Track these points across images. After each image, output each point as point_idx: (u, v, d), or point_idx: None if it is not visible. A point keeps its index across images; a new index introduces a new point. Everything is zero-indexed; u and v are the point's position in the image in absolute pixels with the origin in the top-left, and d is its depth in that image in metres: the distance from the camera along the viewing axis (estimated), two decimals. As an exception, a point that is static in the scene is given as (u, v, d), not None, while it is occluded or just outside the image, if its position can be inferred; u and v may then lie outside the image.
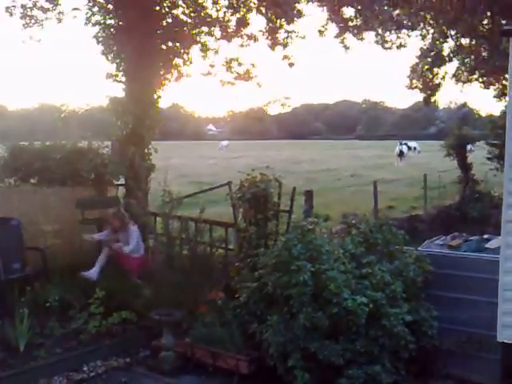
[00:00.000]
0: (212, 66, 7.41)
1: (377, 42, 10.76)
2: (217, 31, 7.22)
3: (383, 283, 4.51)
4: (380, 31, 10.39)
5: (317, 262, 4.37)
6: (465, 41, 13.45)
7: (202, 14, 7.13)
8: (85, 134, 7.73)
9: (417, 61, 14.56)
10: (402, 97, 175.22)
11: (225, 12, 7.27)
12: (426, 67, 14.25)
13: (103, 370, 4.89)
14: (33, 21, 7.24)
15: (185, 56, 7.06)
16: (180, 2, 7.21)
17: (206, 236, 6.40)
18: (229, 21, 7.27)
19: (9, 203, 6.14)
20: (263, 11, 7.37)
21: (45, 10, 7.19)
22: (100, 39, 6.91)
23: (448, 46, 14.00)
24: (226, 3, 7.31)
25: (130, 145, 6.67)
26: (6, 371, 4.50)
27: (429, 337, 4.61)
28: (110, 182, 7.04)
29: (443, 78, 14.62)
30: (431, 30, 13.33)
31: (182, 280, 5.76)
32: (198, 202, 7.74)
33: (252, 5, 7.37)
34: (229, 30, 7.27)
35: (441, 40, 13.64)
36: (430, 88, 14.55)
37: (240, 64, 7.42)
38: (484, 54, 13.36)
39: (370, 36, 10.31)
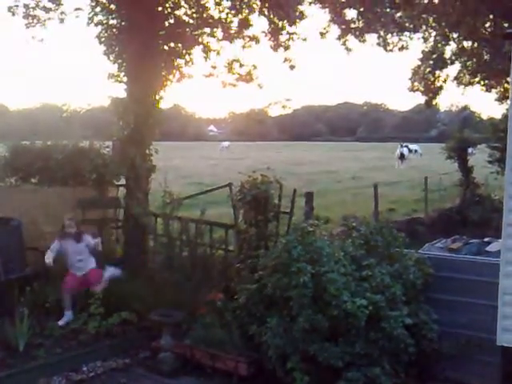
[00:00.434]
0: (214, 67, 7.41)
1: (379, 44, 10.76)
2: (219, 32, 7.22)
3: (383, 286, 4.51)
4: (382, 33, 10.38)
5: (317, 264, 4.37)
6: (467, 43, 13.45)
7: (205, 15, 7.12)
8: (86, 134, 7.74)
9: (419, 63, 14.57)
10: (404, 99, 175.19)
11: (227, 13, 7.27)
12: (428, 70, 14.25)
13: (102, 371, 4.90)
14: (35, 20, 7.24)
15: (187, 57, 7.05)
16: (182, 3, 7.22)
17: (206, 237, 6.40)
18: (231, 22, 7.27)
19: (9, 203, 6.14)
20: (265, 12, 7.36)
21: (47, 10, 7.19)
22: (102, 39, 6.91)
23: (450, 49, 14.02)
24: (229, 4, 7.31)
25: (131, 145, 6.66)
26: (5, 371, 4.51)
27: (428, 340, 4.60)
28: (111, 183, 7.04)
29: (445, 80, 14.62)
30: (433, 33, 13.34)
31: (181, 281, 5.76)
32: (199, 203, 7.74)
33: (255, 6, 7.36)
34: (231, 31, 7.27)
35: (443, 43, 13.64)
36: (432, 90, 14.55)
37: (241, 65, 7.42)
38: (486, 57, 13.35)
39: (371, 38, 10.32)
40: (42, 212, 6.06)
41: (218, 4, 7.35)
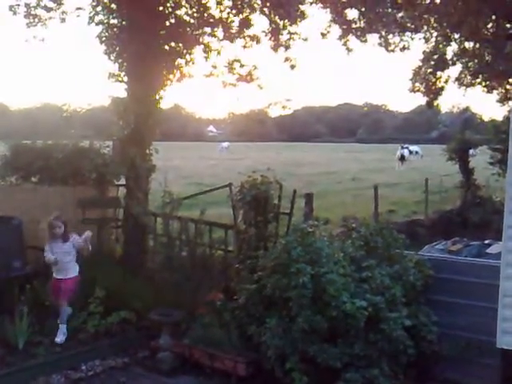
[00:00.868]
0: (214, 66, 7.40)
1: (380, 45, 10.73)
2: (219, 32, 7.22)
3: (383, 287, 4.50)
4: (383, 33, 10.36)
5: (316, 264, 4.36)
6: (468, 44, 13.43)
7: (205, 14, 7.12)
8: (86, 134, 7.74)
9: (420, 64, 14.55)
10: (404, 100, 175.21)
11: (228, 13, 7.27)
12: (429, 70, 14.23)
13: (101, 370, 4.90)
14: (36, 20, 7.24)
15: (187, 56, 7.05)
16: (183, 3, 7.21)
17: (206, 237, 6.40)
18: (232, 21, 7.27)
19: (10, 202, 6.14)
20: (266, 12, 7.36)
21: (48, 9, 7.19)
22: (103, 39, 6.90)
23: (451, 50, 14.00)
24: (230, 4, 7.30)
25: (132, 145, 6.66)
26: (4, 369, 4.51)
27: (428, 342, 4.60)
28: (111, 182, 7.05)
29: (446, 81, 14.61)
30: (435, 33, 13.31)
31: (181, 281, 5.76)
32: (198, 203, 7.74)
33: (255, 5, 7.36)
34: (231, 31, 7.26)
35: (444, 43, 13.62)
36: (433, 91, 14.54)
37: (242, 65, 7.41)
38: (487, 58, 13.34)
39: (373, 38, 10.30)
40: (42, 211, 6.05)
41: (218, 3, 7.34)
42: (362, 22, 9.53)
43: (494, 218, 9.68)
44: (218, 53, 7.38)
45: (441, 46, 13.83)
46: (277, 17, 7.43)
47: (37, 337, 4.98)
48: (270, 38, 7.69)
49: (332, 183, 19.86)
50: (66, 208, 6.19)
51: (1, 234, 5.58)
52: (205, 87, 7.93)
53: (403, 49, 11.59)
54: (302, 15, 7.52)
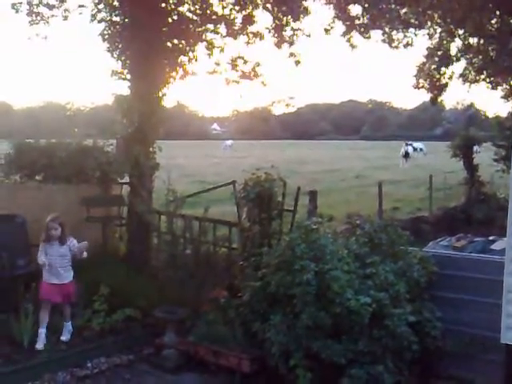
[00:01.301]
0: (217, 64, 7.40)
1: (384, 41, 10.70)
2: (222, 29, 7.21)
3: (387, 283, 4.50)
4: (387, 30, 10.33)
5: (320, 261, 4.36)
6: (473, 40, 13.37)
7: (208, 11, 7.11)
8: (90, 133, 7.75)
9: (424, 60, 14.49)
10: (409, 97, 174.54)
11: (231, 9, 7.26)
12: (433, 67, 14.17)
13: (107, 367, 4.91)
14: (39, 18, 7.26)
15: (190, 54, 7.05)
16: (186, -1, 7.22)
17: (210, 235, 6.40)
18: (235, 18, 7.26)
19: (14, 200, 6.16)
20: (269, 8, 7.35)
21: (51, 7, 7.20)
22: (105, 36, 6.92)
23: (456, 46, 13.93)
24: (233, 0, 7.29)
25: (135, 143, 6.67)
26: (10, 366, 4.53)
27: (432, 338, 4.59)
28: (115, 180, 7.06)
29: (450, 77, 14.54)
30: (439, 29, 13.25)
31: (185, 278, 5.77)
32: (202, 201, 7.74)
33: (258, 1, 7.34)
34: (234, 28, 7.26)
35: (448, 39, 13.56)
36: (437, 88, 14.48)
37: (245, 62, 7.41)
38: (492, 54, 13.26)
39: (376, 35, 10.27)
40: (46, 209, 6.07)
41: (221, 0, 7.34)
42: (365, 18, 9.50)
43: (499, 214, 9.65)
44: (221, 50, 7.37)
45: (445, 41, 13.77)
46: (280, 13, 7.41)
47: (42, 334, 5.00)
48: (274, 35, 7.69)
49: (336, 181, 19.83)
50: (69, 206, 6.21)
51: (5, 232, 5.59)
52: (208, 85, 7.92)
53: (407, 45, 11.54)
54: (306, 11, 7.51)
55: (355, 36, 9.83)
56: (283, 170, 6.08)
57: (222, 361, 4.77)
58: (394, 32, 11.02)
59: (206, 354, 4.89)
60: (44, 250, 4.98)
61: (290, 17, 7.45)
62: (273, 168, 5.85)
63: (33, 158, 6.65)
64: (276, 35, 7.65)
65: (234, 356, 4.69)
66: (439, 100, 15.42)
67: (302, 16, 7.47)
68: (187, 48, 7.03)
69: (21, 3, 7.15)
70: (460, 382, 4.61)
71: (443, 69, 14.22)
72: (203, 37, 7.20)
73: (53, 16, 7.31)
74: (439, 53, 14.01)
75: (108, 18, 6.98)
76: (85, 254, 5.09)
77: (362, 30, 9.65)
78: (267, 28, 7.64)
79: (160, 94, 6.88)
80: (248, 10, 7.37)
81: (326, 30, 9.54)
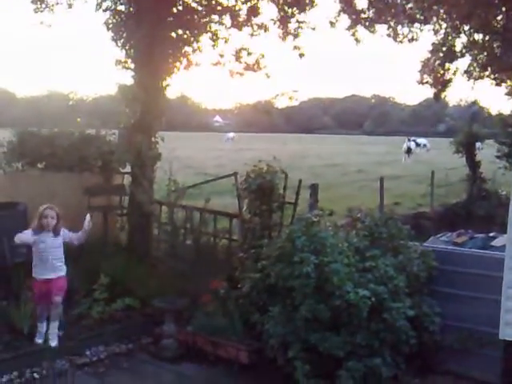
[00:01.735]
0: (221, 55, 7.37)
1: (388, 35, 10.65)
2: (227, 20, 7.17)
3: (386, 277, 4.50)
4: (392, 24, 10.28)
5: (320, 254, 4.36)
6: (478, 36, 13.28)
7: (213, 2, 7.07)
8: (92, 122, 7.75)
9: (428, 56, 14.40)
10: (412, 93, 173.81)
11: (236, 0, 7.21)
12: (438, 62, 14.09)
13: (105, 356, 4.95)
14: (43, 5, 7.23)
15: (194, 44, 7.02)
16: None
17: (211, 226, 6.41)
18: (240, 9, 7.21)
19: (16, 188, 6.18)
20: (275, 0, 7.30)
21: (56, -5, 7.18)
22: (110, 25, 6.89)
23: (461, 42, 13.83)
24: (238, -9, 7.24)
25: (138, 132, 6.66)
26: (10, 353, 4.56)
27: (430, 332, 4.60)
28: (117, 170, 7.06)
29: (454, 73, 14.46)
30: (444, 25, 13.16)
31: (185, 269, 5.78)
32: (202, 192, 7.74)
33: (264, -8, 7.30)
34: (239, 19, 7.21)
35: (453, 35, 13.47)
36: (441, 83, 14.40)
37: (250, 53, 7.37)
38: (497, 50, 13.18)
39: (381, 29, 10.22)
40: (48, 197, 6.09)
41: (227, -10, 7.28)
42: (371, 12, 9.45)
43: (499, 211, 9.64)
44: (226, 41, 7.33)
45: (450, 37, 13.67)
46: (285, 5, 7.37)
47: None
48: (279, 27, 7.64)
49: (337, 175, 19.81)
50: (71, 195, 6.23)
51: (6, 220, 5.60)
52: (212, 77, 7.89)
53: (412, 40, 11.48)
54: (311, 3, 7.46)
55: (360, 30, 9.79)
56: (285, 163, 6.06)
57: (221, 352, 4.80)
58: (400, 27, 10.97)
59: (204, 344, 4.92)
60: (33, 234, 4.59)
61: (295, 8, 7.40)
62: (275, 160, 5.84)
63: (35, 146, 6.65)
64: (281, 27, 7.61)
65: (233, 347, 4.72)
66: (443, 96, 15.33)
67: (307, 8, 7.42)
68: (192, 38, 6.99)
69: (26, -10, 7.12)
70: (457, 376, 4.63)
71: (448, 64, 14.14)
72: (208, 27, 7.16)
73: (57, 4, 7.28)
74: (444, 48, 13.92)
75: (113, 7, 6.94)
76: (90, 225, 4.76)
77: (368, 24, 9.60)
78: (272, 20, 7.59)
79: (164, 84, 6.86)
80: (253, 2, 7.32)
81: (332, 23, 9.49)
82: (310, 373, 4.12)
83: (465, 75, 14.36)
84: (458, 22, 12.53)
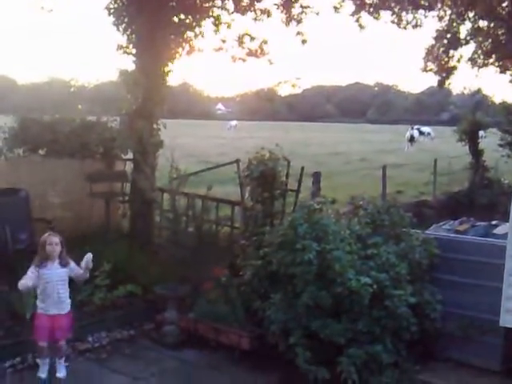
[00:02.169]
0: (224, 41, 7.30)
1: (393, 22, 10.54)
2: (230, 4, 7.09)
3: (388, 265, 4.49)
4: (396, 10, 10.16)
5: (322, 241, 4.35)
6: (483, 23, 13.12)
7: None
8: (94, 109, 7.72)
9: (433, 43, 14.25)
10: (415, 81, 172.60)
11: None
12: (442, 49, 13.94)
13: (108, 342, 4.98)
14: (45, -11, 7.16)
15: (197, 29, 6.95)
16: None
17: (213, 213, 6.40)
18: (243, -7, 7.13)
19: (17, 174, 6.17)
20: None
21: (57, -20, 7.10)
22: (111, 10, 6.81)
23: (465, 29, 13.68)
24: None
25: (139, 119, 6.62)
26: (12, 338, 4.59)
27: (431, 319, 4.60)
28: (118, 156, 7.05)
29: (459, 60, 14.32)
30: (448, 11, 13.00)
31: (187, 256, 5.79)
32: (204, 180, 7.70)
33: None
34: (242, 4, 7.13)
35: (458, 21, 13.31)
36: (445, 70, 14.27)
37: (252, 39, 7.29)
38: (502, 37, 13.04)
39: (385, 15, 10.10)
40: (49, 183, 6.09)
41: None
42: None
43: (502, 199, 9.62)
44: (228, 26, 7.25)
45: (454, 24, 13.51)
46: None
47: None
48: (282, 11, 7.55)
49: (340, 164, 19.75)
50: (73, 181, 6.23)
51: (8, 206, 5.61)
52: (214, 64, 7.83)
53: (416, 26, 11.35)
54: (315, -13, 7.36)
55: (364, 16, 9.68)
56: (287, 151, 6.02)
57: (222, 338, 4.82)
58: (404, 13, 10.84)
59: (206, 330, 4.94)
60: (35, 273, 3.94)
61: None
62: (278, 147, 5.81)
63: (36, 132, 6.63)
64: (284, 12, 7.52)
65: (234, 333, 4.74)
66: (447, 83, 15.21)
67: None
68: (194, 23, 6.92)
69: (26, -26, 7.03)
70: (458, 363, 4.65)
71: (452, 51, 14.00)
72: (210, 12, 7.08)
73: (58, -12, 7.20)
74: (448, 35, 13.76)
75: (114, -8, 6.85)
76: (90, 265, 4.12)
77: (372, 10, 9.48)
78: (276, 4, 7.50)
79: (165, 70, 6.80)
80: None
81: (336, 8, 9.36)
82: (310, 359, 4.13)
83: (469, 62, 14.23)
84: (462, 9, 12.38)
